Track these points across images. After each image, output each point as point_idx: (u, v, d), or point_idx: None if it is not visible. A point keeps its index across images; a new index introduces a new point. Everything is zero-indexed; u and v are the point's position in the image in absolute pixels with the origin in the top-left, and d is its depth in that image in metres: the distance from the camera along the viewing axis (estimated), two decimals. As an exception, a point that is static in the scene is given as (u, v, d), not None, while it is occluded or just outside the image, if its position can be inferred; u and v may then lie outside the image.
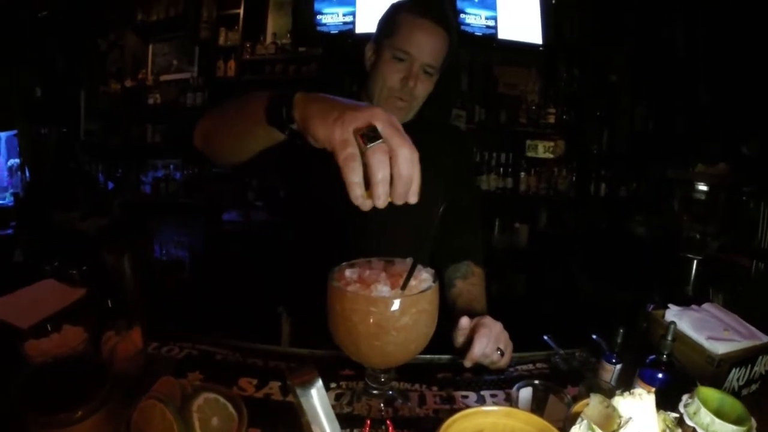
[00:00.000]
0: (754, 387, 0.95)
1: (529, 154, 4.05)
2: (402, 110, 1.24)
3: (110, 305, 0.95)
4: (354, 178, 0.62)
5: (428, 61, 1.20)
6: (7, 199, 4.15)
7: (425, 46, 1.19)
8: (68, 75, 4.53)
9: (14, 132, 4.23)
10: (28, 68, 4.29)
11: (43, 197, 3.79)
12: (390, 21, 1.23)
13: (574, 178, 4.00)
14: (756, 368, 0.93)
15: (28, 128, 4.17)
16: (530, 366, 1.10)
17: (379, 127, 0.62)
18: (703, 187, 1.54)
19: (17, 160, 4.28)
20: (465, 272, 1.32)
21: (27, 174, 4.14)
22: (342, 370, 1.00)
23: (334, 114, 0.65)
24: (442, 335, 0.97)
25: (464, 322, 1.03)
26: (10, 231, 3.52)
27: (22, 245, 3.16)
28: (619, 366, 0.93)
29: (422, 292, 0.79)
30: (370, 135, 0.62)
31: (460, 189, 1.38)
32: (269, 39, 4.24)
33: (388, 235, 1.24)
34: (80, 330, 0.80)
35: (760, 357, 0.94)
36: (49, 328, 0.79)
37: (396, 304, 0.75)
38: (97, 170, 4.44)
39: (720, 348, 0.90)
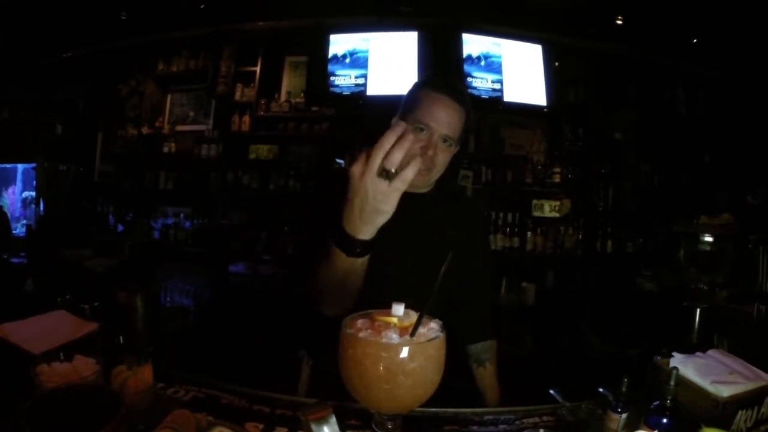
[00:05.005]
0: (763, 429, 0.93)
1: (536, 213, 4.10)
2: (423, 176, 1.32)
3: (121, 341, 0.96)
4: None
5: (446, 132, 1.29)
6: (19, 230, 4.21)
7: (443, 118, 1.28)
8: (88, 116, 4.68)
9: (32, 165, 4.33)
10: (50, 106, 4.45)
11: (55, 232, 3.83)
12: (412, 97, 1.35)
13: (580, 236, 4.02)
14: (763, 409, 0.92)
15: (47, 163, 4.25)
16: (536, 419, 1.10)
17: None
18: (708, 239, 1.56)
19: (32, 193, 4.36)
20: (491, 356, 1.43)
21: (41, 207, 4.20)
22: (348, 420, 0.99)
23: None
24: (450, 389, 0.97)
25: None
26: (19, 260, 3.54)
27: (33, 276, 3.16)
28: (624, 415, 0.93)
29: (430, 340, 0.81)
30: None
31: (476, 262, 1.44)
32: (283, 97, 4.42)
33: (397, 288, 1.26)
34: (92, 361, 0.80)
35: (767, 398, 0.93)
36: (62, 356, 0.79)
37: (405, 351, 0.77)
38: (108, 212, 4.50)
39: (725, 391, 0.89)
